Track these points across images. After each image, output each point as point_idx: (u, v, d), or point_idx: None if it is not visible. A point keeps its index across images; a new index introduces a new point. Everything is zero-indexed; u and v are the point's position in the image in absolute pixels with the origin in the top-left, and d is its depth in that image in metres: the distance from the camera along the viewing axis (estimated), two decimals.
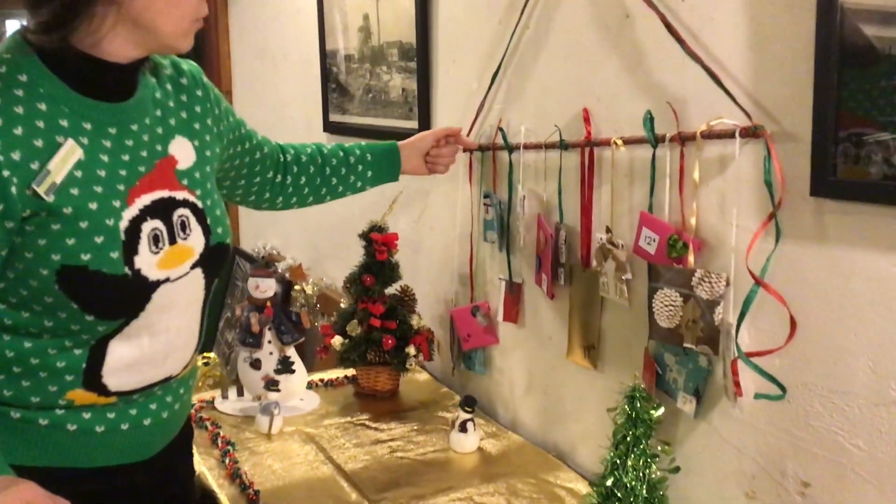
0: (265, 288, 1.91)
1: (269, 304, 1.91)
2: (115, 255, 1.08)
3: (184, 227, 1.16)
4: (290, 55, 2.84)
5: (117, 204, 1.09)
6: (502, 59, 1.76)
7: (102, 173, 1.09)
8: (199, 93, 1.26)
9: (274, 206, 1.57)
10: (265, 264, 1.93)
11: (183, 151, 1.20)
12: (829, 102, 1.11)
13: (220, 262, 1.24)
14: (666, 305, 1.36)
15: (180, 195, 1.17)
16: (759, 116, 1.22)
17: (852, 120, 1.09)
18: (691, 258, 1.32)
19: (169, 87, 1.22)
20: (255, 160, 1.46)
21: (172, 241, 1.14)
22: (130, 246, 1.09)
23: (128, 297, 1.11)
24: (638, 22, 1.42)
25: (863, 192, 1.09)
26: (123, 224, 1.09)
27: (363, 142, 1.67)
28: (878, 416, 1.11)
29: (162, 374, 1.20)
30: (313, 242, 2.83)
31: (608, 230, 1.50)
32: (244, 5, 3.24)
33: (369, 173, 1.64)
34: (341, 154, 1.61)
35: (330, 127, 2.57)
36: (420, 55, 2.04)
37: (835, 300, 1.15)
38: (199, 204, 1.19)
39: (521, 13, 1.68)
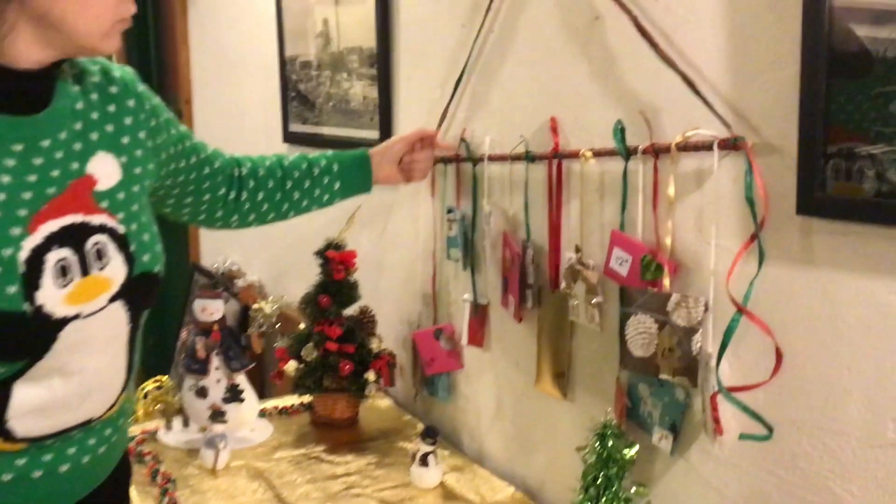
0: (212, 310, 1.77)
1: (216, 327, 1.77)
2: (12, 290, 0.94)
3: (100, 255, 1.02)
4: (249, 63, 2.71)
5: (17, 232, 0.95)
6: (465, 64, 1.65)
7: (2, 197, 0.95)
8: (132, 103, 1.12)
9: (228, 224, 1.42)
10: (213, 284, 1.81)
11: (105, 169, 1.06)
12: (817, 111, 1.00)
13: (146, 293, 1.10)
14: (640, 332, 1.25)
15: (97, 220, 1.03)
16: (739, 127, 1.11)
17: (842, 132, 0.99)
18: (666, 281, 1.21)
19: (95, 96, 1.08)
20: (203, 176, 1.32)
21: (85, 272, 1.01)
22: (31, 279, 0.96)
23: (28, 337, 0.97)
24: (608, 24, 1.31)
25: (854, 211, 0.99)
26: (23, 254, 0.95)
27: (330, 151, 1.53)
28: (874, 459, 1.00)
29: (79, 418, 1.06)
30: (275, 258, 2.70)
31: (577, 249, 1.39)
32: (203, 11, 3.11)
33: (337, 185, 1.50)
34: (305, 165, 1.47)
35: (290, 137, 2.44)
36: (381, 61, 1.92)
37: (825, 330, 1.04)
38: (121, 229, 1.05)
39: (486, 15, 1.57)
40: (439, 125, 1.75)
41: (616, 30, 1.29)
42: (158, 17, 3.70)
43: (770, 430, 1.09)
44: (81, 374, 1.03)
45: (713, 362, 1.15)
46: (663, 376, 1.22)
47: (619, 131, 1.25)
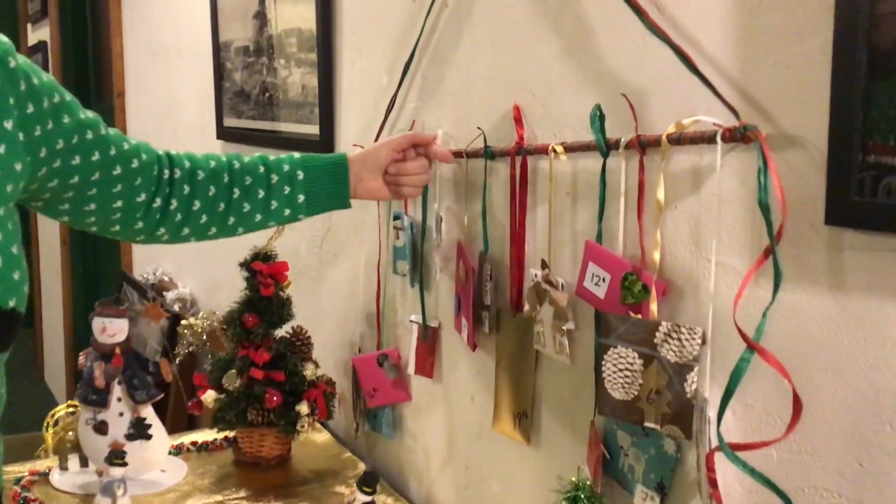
0: (114, 330, 1.50)
1: (118, 350, 1.50)
2: None
3: None
4: (183, 50, 2.44)
5: None
6: (415, 45, 1.40)
7: None
8: None
9: (154, 237, 1.15)
10: (114, 300, 1.53)
11: None
12: (855, 93, 0.77)
13: (3, 332, 0.85)
14: (620, 369, 1.01)
15: None
16: (749, 114, 0.88)
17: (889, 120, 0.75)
18: (654, 306, 0.97)
19: None
20: (111, 177, 1.05)
21: None
22: None
23: None
24: None
25: None
26: None
27: (297, 154, 1.22)
28: None
29: None
30: (208, 269, 2.42)
31: (544, 265, 1.14)
32: None
33: (301, 198, 1.19)
34: (261, 170, 1.18)
35: (224, 133, 2.18)
36: (321, 44, 1.67)
37: (859, 372, 0.81)
38: None
39: None
40: (385, 116, 1.50)
41: None
42: (95, 2, 3.42)
43: (787, 501, 0.85)
44: None
45: (712, 411, 0.91)
46: (649, 424, 0.98)
47: (598, 119, 1.01)
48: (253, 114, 2.00)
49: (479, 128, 1.25)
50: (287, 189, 1.19)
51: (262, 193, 1.17)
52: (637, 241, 1.01)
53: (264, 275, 1.58)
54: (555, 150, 1.11)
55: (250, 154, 1.20)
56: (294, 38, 1.78)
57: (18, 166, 0.90)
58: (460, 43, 1.32)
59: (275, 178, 1.18)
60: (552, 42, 1.14)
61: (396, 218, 1.49)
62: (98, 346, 1.51)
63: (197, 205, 1.14)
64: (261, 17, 1.90)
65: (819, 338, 0.84)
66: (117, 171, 1.05)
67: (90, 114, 1.02)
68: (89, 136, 1.01)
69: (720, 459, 0.90)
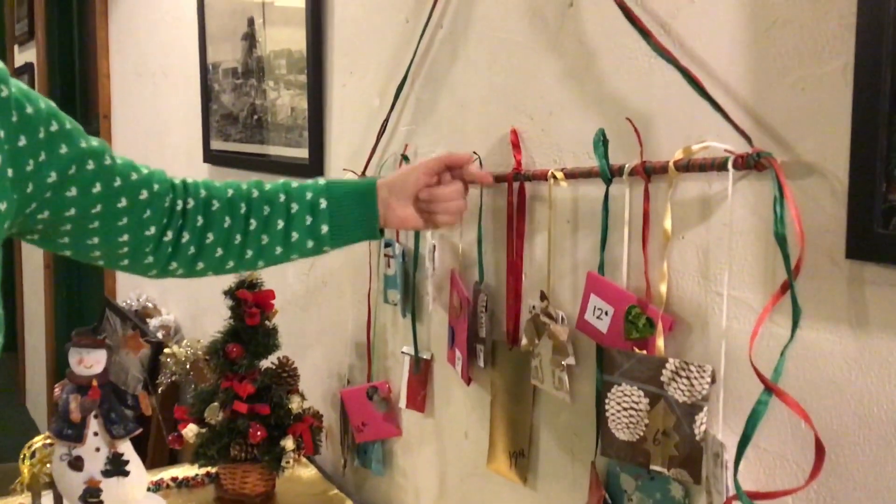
0: (91, 362, 1.43)
1: (95, 383, 1.43)
2: None
3: None
4: (170, 71, 2.39)
5: None
6: (409, 67, 1.36)
7: None
8: None
9: (167, 272, 1.07)
10: (92, 329, 1.46)
11: None
12: (880, 116, 0.72)
13: None
14: (624, 409, 0.95)
15: None
16: (762, 139, 0.83)
17: None
18: (660, 342, 0.92)
19: None
20: (117, 209, 0.97)
21: None
22: None
23: None
24: (585, 10, 1.03)
25: None
26: None
27: (322, 180, 1.11)
28: None
29: None
30: (193, 295, 2.36)
31: (543, 296, 1.09)
32: (124, 16, 2.78)
33: (324, 228, 1.08)
34: (281, 199, 1.07)
35: (211, 157, 2.12)
36: (311, 66, 1.62)
37: (884, 417, 0.75)
38: None
39: (433, 7, 1.28)
40: (377, 140, 1.45)
41: (596, 17, 1.01)
42: (83, 23, 3.37)
43: None
44: None
45: (727, 455, 0.85)
46: (655, 467, 0.93)
47: (602, 144, 0.96)
48: (241, 137, 1.94)
49: (474, 152, 1.20)
50: (309, 219, 1.07)
51: (281, 224, 1.07)
52: (642, 273, 0.96)
53: (249, 303, 1.51)
54: (554, 176, 1.05)
55: (274, 181, 1.11)
56: (283, 60, 1.73)
57: (3, 206, 0.84)
58: (455, 64, 1.28)
59: (295, 207, 1.07)
60: (552, 64, 1.09)
61: (387, 245, 1.43)
62: (74, 378, 1.44)
63: (210, 237, 1.05)
64: (250, 38, 1.86)
65: (839, 379, 0.78)
66: (122, 203, 0.97)
67: (95, 142, 0.95)
68: (90, 166, 0.93)
69: None
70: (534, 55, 1.12)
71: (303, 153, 1.69)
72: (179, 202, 1.04)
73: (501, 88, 1.19)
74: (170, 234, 1.02)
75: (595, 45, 1.02)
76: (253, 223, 1.06)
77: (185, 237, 1.04)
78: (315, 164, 1.65)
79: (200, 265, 1.06)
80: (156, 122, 2.55)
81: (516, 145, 1.15)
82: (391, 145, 1.45)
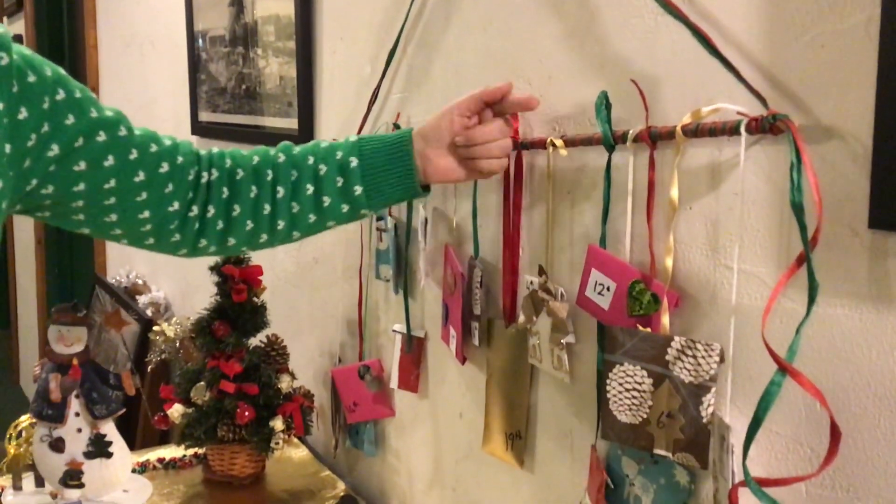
0: (72, 339, 1.38)
1: (76, 361, 1.38)
2: None
3: None
4: (157, 41, 2.32)
5: None
6: (401, 31, 1.29)
7: None
8: None
9: (197, 250, 0.99)
10: (72, 306, 1.40)
11: None
12: None
13: None
14: (627, 389, 0.90)
15: None
16: (777, 101, 0.77)
17: None
18: (665, 319, 0.86)
19: None
20: (135, 184, 0.89)
21: None
22: None
23: None
24: None
25: None
26: None
27: (353, 136, 1.01)
28: None
29: None
30: (182, 271, 2.30)
31: (542, 271, 1.03)
32: None
33: (357, 190, 0.98)
34: (310, 161, 0.98)
35: (200, 128, 2.06)
36: (300, 32, 1.56)
37: None
38: None
39: None
40: (368, 109, 1.39)
41: None
42: None
43: None
44: None
45: (734, 438, 0.80)
46: (659, 451, 0.88)
47: (604, 108, 0.90)
48: (229, 107, 1.88)
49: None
50: (340, 181, 0.97)
51: (310, 189, 0.97)
52: (646, 246, 0.90)
53: (236, 279, 1.46)
54: (553, 144, 0.99)
55: (305, 143, 1.01)
56: (272, 26, 1.66)
57: (9, 174, 0.78)
58: (449, 28, 1.21)
59: (323, 168, 0.97)
60: (551, 25, 1.03)
61: (380, 219, 1.38)
62: (54, 357, 1.39)
63: (237, 209, 0.97)
64: (237, 4, 1.79)
65: (859, 358, 0.73)
66: (140, 177, 0.89)
67: (109, 112, 0.87)
68: (101, 137, 0.85)
69: (744, 494, 0.79)
70: (531, 16, 1.05)
71: (292, 123, 1.62)
72: (204, 174, 0.96)
73: (498, 52, 1.12)
74: (195, 210, 0.95)
75: (597, 3, 0.96)
76: (280, 191, 0.97)
77: (211, 211, 0.96)
78: (305, 135, 1.59)
79: (231, 241, 0.98)
80: (144, 94, 2.48)
81: (514, 113, 1.08)
82: (383, 114, 1.38)
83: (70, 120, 0.83)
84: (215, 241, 0.98)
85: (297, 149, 1.00)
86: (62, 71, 0.84)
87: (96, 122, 0.85)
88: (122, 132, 0.88)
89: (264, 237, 0.99)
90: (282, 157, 0.99)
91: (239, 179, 0.97)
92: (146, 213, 0.91)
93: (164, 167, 0.92)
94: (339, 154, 0.98)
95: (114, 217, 0.90)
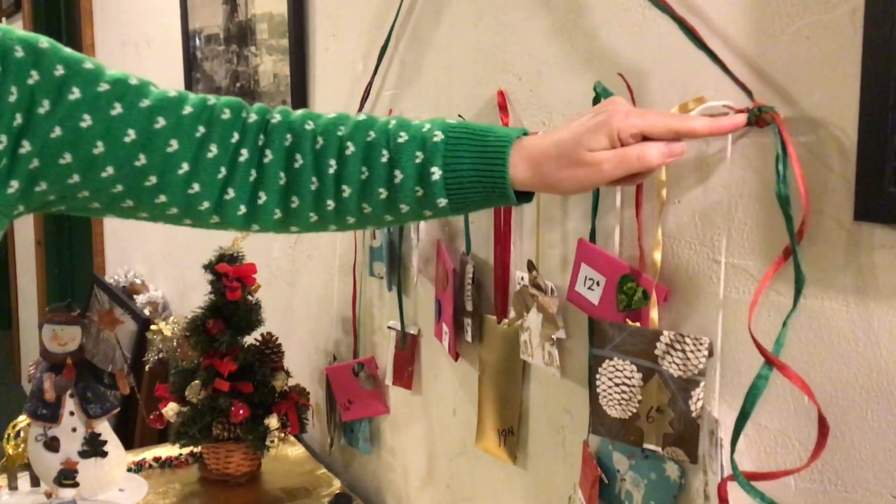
0: (66, 338, 1.38)
1: (70, 361, 1.38)
2: None
3: None
4: (153, 40, 2.32)
5: None
6: (392, 27, 1.29)
7: None
8: None
9: (256, 223, 0.84)
10: (66, 305, 1.40)
11: None
12: (891, 66, 0.66)
13: None
14: (617, 384, 0.89)
15: None
16: (764, 93, 0.76)
17: None
18: (654, 313, 0.86)
19: None
20: (126, 145, 0.78)
21: None
22: None
23: None
24: None
25: None
26: None
27: (439, 132, 0.80)
28: None
29: None
30: (180, 270, 2.30)
31: (532, 266, 1.03)
32: None
33: (441, 203, 0.80)
34: (383, 159, 0.81)
35: None
36: (293, 29, 1.55)
37: (893, 391, 0.70)
38: None
39: None
40: (361, 105, 1.39)
41: None
42: None
43: None
44: None
45: (723, 432, 0.80)
46: (649, 445, 0.87)
47: (599, 99, 0.90)
48: None
49: (460, 116, 1.14)
50: (419, 191, 0.80)
51: (384, 194, 0.81)
52: (635, 241, 0.90)
53: (230, 277, 1.46)
54: None
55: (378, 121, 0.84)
56: (265, 24, 1.66)
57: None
58: (440, 24, 1.21)
59: (399, 176, 0.80)
60: (540, 20, 1.02)
61: None
62: (48, 356, 1.39)
63: (296, 202, 0.82)
64: (231, 2, 1.79)
65: (846, 351, 0.73)
66: (131, 136, 0.77)
67: (90, 64, 0.78)
68: (74, 95, 0.75)
69: (733, 488, 0.78)
70: (521, 11, 1.05)
71: None
72: (244, 150, 0.80)
73: (488, 47, 1.12)
74: (232, 193, 0.80)
75: None
76: (346, 190, 0.81)
77: (262, 198, 0.81)
78: None
79: (294, 228, 0.85)
80: None
81: (504, 107, 1.08)
82: (376, 110, 1.38)
83: (33, 79, 0.74)
84: (273, 229, 0.85)
85: (370, 135, 0.82)
86: (47, 49, 0.77)
87: (62, 80, 0.76)
88: (101, 88, 0.78)
89: (333, 227, 0.86)
90: (350, 148, 0.81)
91: (298, 168, 0.82)
92: (152, 179, 0.79)
93: (160, 122, 0.79)
94: (419, 157, 0.80)
95: (119, 188, 0.78)
